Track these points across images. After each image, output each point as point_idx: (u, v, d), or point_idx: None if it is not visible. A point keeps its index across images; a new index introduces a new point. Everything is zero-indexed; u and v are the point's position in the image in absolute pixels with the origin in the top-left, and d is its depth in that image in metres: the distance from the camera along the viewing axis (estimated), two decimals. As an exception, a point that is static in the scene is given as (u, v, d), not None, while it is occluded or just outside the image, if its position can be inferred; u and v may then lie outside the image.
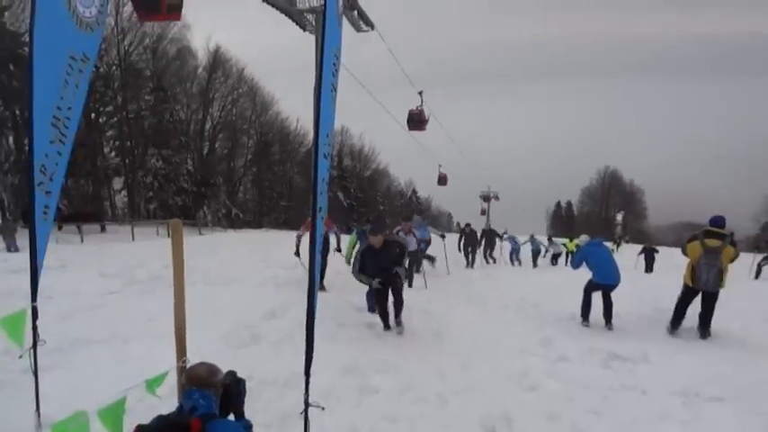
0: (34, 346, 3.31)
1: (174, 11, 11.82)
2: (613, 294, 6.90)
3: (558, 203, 76.91)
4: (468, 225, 16.12)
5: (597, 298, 6.97)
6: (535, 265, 18.04)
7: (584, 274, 7.23)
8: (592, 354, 5.56)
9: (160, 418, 2.10)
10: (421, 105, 21.40)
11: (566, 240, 20.82)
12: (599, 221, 63.52)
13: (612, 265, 7.04)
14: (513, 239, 18.56)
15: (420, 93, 21.22)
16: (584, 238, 8.36)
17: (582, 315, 7.09)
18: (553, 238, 21.76)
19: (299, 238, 8.49)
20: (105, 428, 2.25)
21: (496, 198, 48.06)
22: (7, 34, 25.47)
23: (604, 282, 6.94)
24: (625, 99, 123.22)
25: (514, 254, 18.39)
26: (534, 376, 4.87)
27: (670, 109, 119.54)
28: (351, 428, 3.73)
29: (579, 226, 55.15)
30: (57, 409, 3.42)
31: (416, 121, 21.39)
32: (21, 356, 3.28)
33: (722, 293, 6.29)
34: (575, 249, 18.52)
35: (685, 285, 6.47)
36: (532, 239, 18.81)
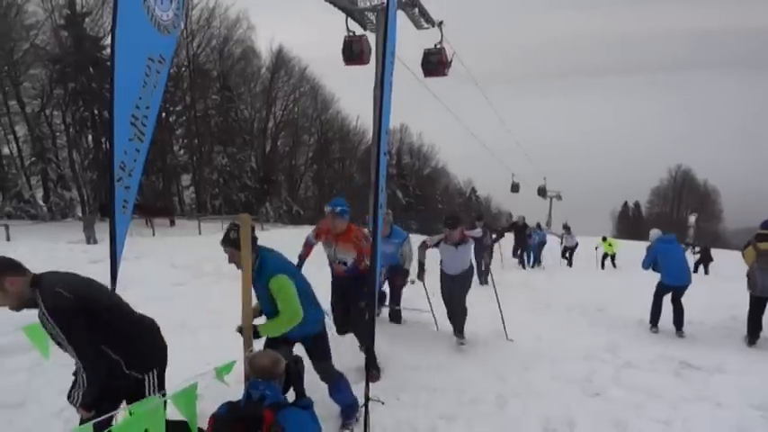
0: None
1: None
2: (686, 300, 6.56)
3: (626, 204, 73.93)
4: (514, 223, 15.06)
5: (667, 303, 6.65)
6: (537, 262, 15.90)
7: (653, 278, 6.90)
8: (661, 361, 5.32)
9: (230, 406, 2.19)
10: (440, 42, 16.39)
11: (598, 239, 18.34)
12: (670, 223, 60.31)
13: (685, 264, 6.68)
14: (539, 234, 16.28)
15: (440, 24, 16.21)
16: (655, 233, 7.37)
17: (651, 320, 6.78)
18: (570, 228, 18.72)
19: (308, 247, 5.04)
20: (179, 411, 2.35)
21: (559, 197, 46.57)
22: (87, 39, 27.13)
23: (675, 283, 6.58)
24: (699, 95, 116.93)
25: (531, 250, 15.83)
26: (599, 382, 4.70)
27: (748, 106, 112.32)
28: (409, 425, 3.74)
29: (648, 227, 52.74)
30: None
31: (434, 63, 16.28)
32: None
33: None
34: (610, 251, 17.34)
35: (750, 294, 6.15)
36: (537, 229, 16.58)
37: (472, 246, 5.84)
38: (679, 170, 67.32)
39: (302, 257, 4.89)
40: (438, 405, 4.07)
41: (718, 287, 10.18)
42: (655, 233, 7.32)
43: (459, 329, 5.77)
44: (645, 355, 5.50)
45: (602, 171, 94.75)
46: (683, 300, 6.59)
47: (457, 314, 5.81)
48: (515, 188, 34.29)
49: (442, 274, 5.92)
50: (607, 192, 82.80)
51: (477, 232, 6.33)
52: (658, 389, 4.54)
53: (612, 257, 17.59)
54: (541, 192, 40.57)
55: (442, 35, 16.63)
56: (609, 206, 75.04)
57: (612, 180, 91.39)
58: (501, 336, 6.18)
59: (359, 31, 15.08)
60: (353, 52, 16.69)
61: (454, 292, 5.77)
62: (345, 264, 4.58)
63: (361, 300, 4.43)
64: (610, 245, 17.44)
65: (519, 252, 15.40)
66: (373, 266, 3.16)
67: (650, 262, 6.87)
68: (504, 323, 6.18)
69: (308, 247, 4.95)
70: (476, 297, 6.47)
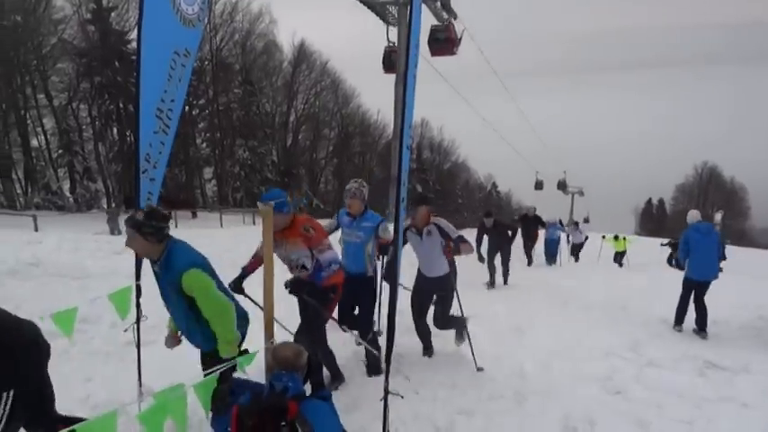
0: (138, 321, 3.57)
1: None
2: (712, 299, 6.39)
3: (649, 200, 72.76)
4: (524, 215, 14.00)
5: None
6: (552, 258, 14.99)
7: (677, 276, 6.76)
8: (685, 361, 5.22)
9: (252, 396, 2.22)
10: (448, 19, 15.09)
11: (609, 236, 17.35)
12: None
13: (714, 259, 6.33)
14: (557, 228, 15.12)
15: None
16: (693, 215, 6.74)
17: (675, 318, 6.59)
18: (579, 224, 17.98)
19: (258, 258, 3.91)
20: (200, 401, 2.40)
21: (581, 194, 45.95)
22: (113, 33, 27.58)
23: (698, 278, 6.31)
24: (726, 91, 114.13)
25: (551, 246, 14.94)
26: (620, 380, 4.64)
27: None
28: (427, 419, 3.75)
29: (671, 225, 51.87)
30: (156, 380, 3.69)
31: (442, 40, 14.95)
32: (126, 330, 3.56)
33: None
34: (621, 248, 16.45)
35: None
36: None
37: (440, 241, 4.67)
38: (705, 167, 66.14)
39: (246, 270, 3.90)
40: (457, 400, 4.07)
41: (745, 286, 9.96)
42: (693, 215, 6.77)
43: (459, 328, 5.10)
44: (668, 354, 5.40)
45: (625, 167, 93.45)
46: (708, 299, 6.39)
47: (419, 330, 5.01)
48: (539, 186, 34.30)
49: (418, 276, 5.04)
50: (630, 188, 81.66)
51: (447, 226, 4.76)
52: (681, 388, 4.46)
53: (621, 255, 16.69)
54: (561, 186, 40.06)
55: (451, 12, 15.61)
56: (632, 203, 74.01)
57: (636, 176, 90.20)
58: (520, 332, 6.14)
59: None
60: (393, 62, 16.37)
61: (425, 300, 4.96)
62: (306, 268, 3.78)
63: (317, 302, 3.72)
64: (619, 241, 16.63)
65: (526, 246, 14.01)
66: (396, 254, 3.14)
67: (684, 251, 6.43)
68: (472, 350, 4.90)
69: (257, 258, 3.87)
70: (493, 298, 6.47)
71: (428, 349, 5.08)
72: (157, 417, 2.14)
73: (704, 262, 6.31)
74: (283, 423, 2.00)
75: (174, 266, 2.80)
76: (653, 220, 68.58)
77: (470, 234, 7.04)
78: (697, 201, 65.57)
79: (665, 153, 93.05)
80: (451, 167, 56.91)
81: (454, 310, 5.02)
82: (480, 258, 9.57)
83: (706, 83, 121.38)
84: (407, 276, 4.85)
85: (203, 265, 2.91)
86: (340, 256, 4.12)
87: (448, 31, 14.24)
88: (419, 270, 4.99)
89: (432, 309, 5.03)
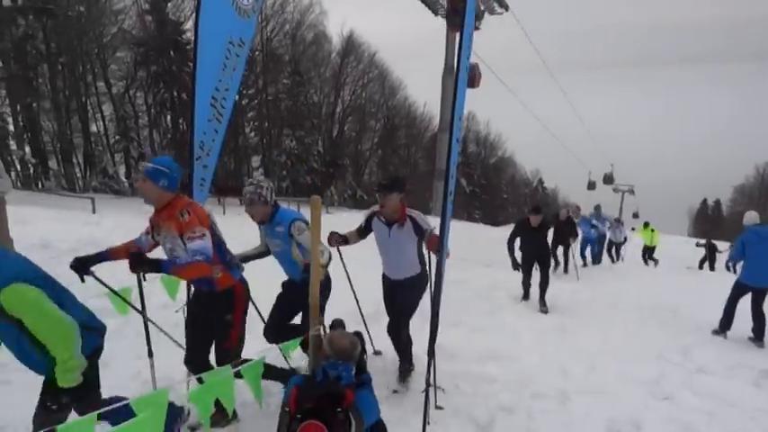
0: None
1: None
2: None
3: (705, 201, 69.75)
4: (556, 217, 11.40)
5: (746, 303, 6.07)
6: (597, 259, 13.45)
7: (731, 280, 6.44)
8: (739, 369, 4.99)
9: (306, 380, 2.29)
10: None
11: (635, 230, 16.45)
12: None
13: None
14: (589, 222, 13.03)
15: None
16: (751, 217, 6.25)
17: (720, 324, 6.22)
18: (621, 220, 16.15)
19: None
20: (248, 383, 2.47)
21: (631, 192, 44.40)
22: (169, 23, 28.43)
23: (756, 284, 5.95)
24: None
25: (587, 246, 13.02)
26: (669, 385, 4.49)
27: None
28: (467, 414, 3.74)
29: (727, 227, 49.61)
30: (204, 361, 3.82)
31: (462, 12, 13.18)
32: (177, 311, 3.68)
33: None
34: (651, 242, 15.51)
35: None
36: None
37: (413, 238, 3.91)
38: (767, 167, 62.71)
39: (106, 253, 3.24)
40: (498, 396, 4.04)
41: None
42: (751, 217, 6.27)
43: (404, 359, 4.19)
44: (721, 361, 5.17)
45: (680, 166, 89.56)
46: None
47: (397, 341, 4.16)
48: (592, 186, 33.61)
49: (384, 281, 4.28)
50: (685, 188, 78.29)
51: (423, 220, 3.93)
52: (734, 398, 4.28)
53: (651, 251, 15.53)
54: (607, 180, 38.52)
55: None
56: (686, 203, 71.11)
57: (692, 176, 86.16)
58: (563, 331, 6.02)
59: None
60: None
61: (394, 306, 4.17)
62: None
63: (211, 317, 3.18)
64: (647, 231, 15.51)
65: (555, 250, 11.30)
66: (441, 247, 3.13)
67: (740, 253, 6.07)
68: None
69: (125, 246, 3.30)
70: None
71: (405, 367, 4.19)
72: (206, 396, 2.21)
73: (762, 267, 5.94)
74: (339, 409, 2.05)
75: None
76: (708, 221, 65.69)
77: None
78: (757, 203, 62.40)
79: (723, 152, 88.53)
80: (497, 162, 56.12)
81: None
82: (514, 266, 7.42)
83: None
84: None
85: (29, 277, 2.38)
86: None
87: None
88: (383, 273, 4.24)
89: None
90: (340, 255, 4.32)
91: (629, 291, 9.20)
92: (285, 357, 3.26)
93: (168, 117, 30.20)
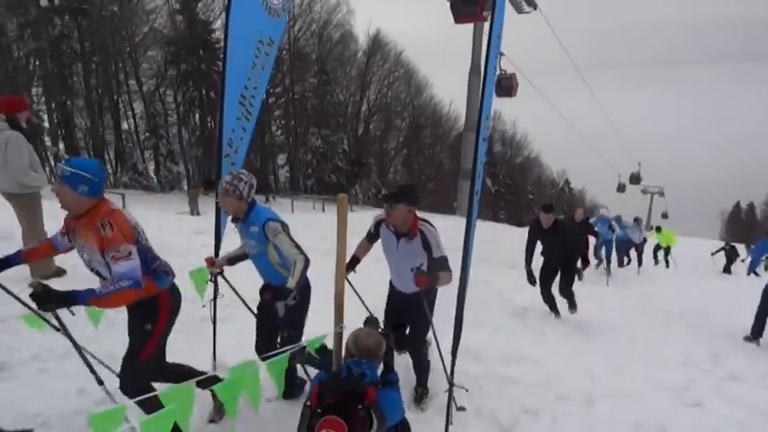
0: (215, 298, 3.74)
1: None
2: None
3: (737, 204, 67.97)
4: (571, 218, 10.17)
5: None
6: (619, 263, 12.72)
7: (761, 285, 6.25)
8: (772, 377, 4.86)
9: (330, 376, 2.31)
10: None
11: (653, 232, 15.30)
12: (788, 228, 54.83)
13: None
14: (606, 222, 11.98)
15: None
16: None
17: (753, 330, 6.03)
18: (641, 220, 15.12)
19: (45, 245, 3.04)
20: (272, 378, 2.50)
21: (661, 194, 43.40)
22: (199, 23, 28.93)
23: None
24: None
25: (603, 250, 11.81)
26: (698, 392, 4.38)
27: None
28: (490, 415, 3.71)
29: (763, 231, 48.17)
30: (230, 356, 3.88)
31: (469, 3, 12.97)
32: (204, 306, 3.74)
33: None
34: (664, 242, 15.02)
35: None
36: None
37: (420, 254, 3.56)
38: (805, 170, 60.82)
39: (16, 256, 2.82)
40: (522, 399, 3.99)
41: None
42: None
43: (420, 382, 3.91)
44: (753, 368, 5.02)
45: (711, 167, 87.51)
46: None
47: (414, 360, 3.91)
48: (621, 188, 33.17)
49: (390, 288, 4.05)
50: (716, 190, 76.33)
51: (434, 238, 3.54)
52: (767, 406, 4.17)
53: (666, 251, 14.90)
54: (634, 179, 37.62)
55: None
56: (718, 206, 69.37)
57: (723, 178, 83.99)
58: (590, 333, 5.94)
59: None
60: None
61: (400, 318, 3.89)
62: (101, 276, 2.73)
63: None
64: (664, 235, 15.03)
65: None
66: (467, 246, 3.09)
67: (760, 253, 6.01)
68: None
69: (39, 247, 2.99)
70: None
71: (422, 387, 3.91)
72: (232, 391, 2.24)
73: None
74: (360, 407, 2.06)
75: None
76: (741, 225, 63.97)
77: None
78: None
79: (757, 153, 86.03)
80: (523, 162, 55.58)
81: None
82: (530, 279, 6.33)
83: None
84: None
85: None
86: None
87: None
88: (390, 281, 4.02)
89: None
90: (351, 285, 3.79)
91: (657, 294, 9.03)
92: (311, 354, 3.28)
93: (197, 115, 30.75)
